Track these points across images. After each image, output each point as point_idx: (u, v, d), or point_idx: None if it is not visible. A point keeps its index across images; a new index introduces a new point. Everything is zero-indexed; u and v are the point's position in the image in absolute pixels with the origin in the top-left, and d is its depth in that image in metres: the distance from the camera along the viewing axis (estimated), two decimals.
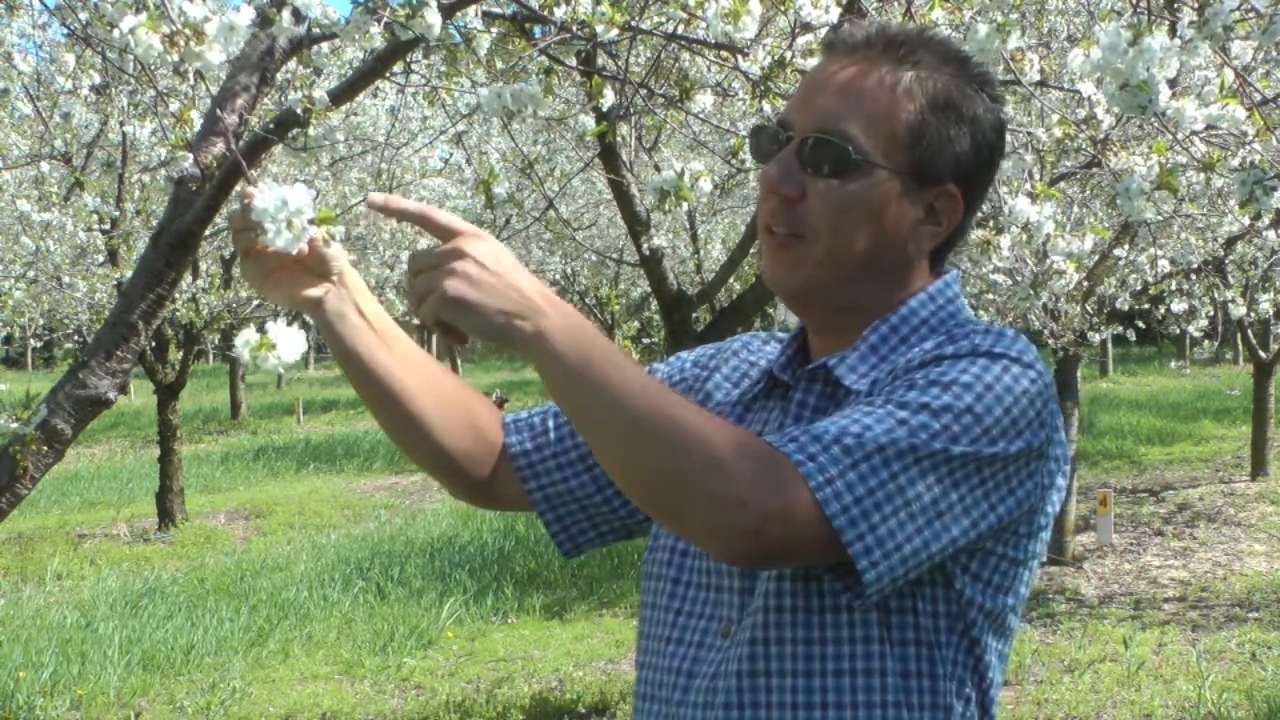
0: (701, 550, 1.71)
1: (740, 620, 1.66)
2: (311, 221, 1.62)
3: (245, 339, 1.68)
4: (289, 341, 1.69)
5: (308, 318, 1.83)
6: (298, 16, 2.17)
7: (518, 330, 1.48)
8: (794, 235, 1.66)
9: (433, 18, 2.41)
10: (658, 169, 7.92)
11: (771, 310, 7.80)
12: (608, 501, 1.92)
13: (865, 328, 1.70)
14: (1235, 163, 3.33)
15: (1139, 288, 10.65)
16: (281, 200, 1.59)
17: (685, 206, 2.76)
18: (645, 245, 7.10)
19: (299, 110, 3.13)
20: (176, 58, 1.63)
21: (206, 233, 3.15)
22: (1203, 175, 3.02)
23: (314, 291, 1.75)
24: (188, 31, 1.64)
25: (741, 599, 1.66)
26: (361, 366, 1.81)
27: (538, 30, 4.01)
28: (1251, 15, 2.87)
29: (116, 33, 1.65)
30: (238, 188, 3.08)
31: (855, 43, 1.68)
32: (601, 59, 5.49)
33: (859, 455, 1.46)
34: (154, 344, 12.40)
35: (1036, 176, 4.56)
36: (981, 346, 1.57)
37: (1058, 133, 3.69)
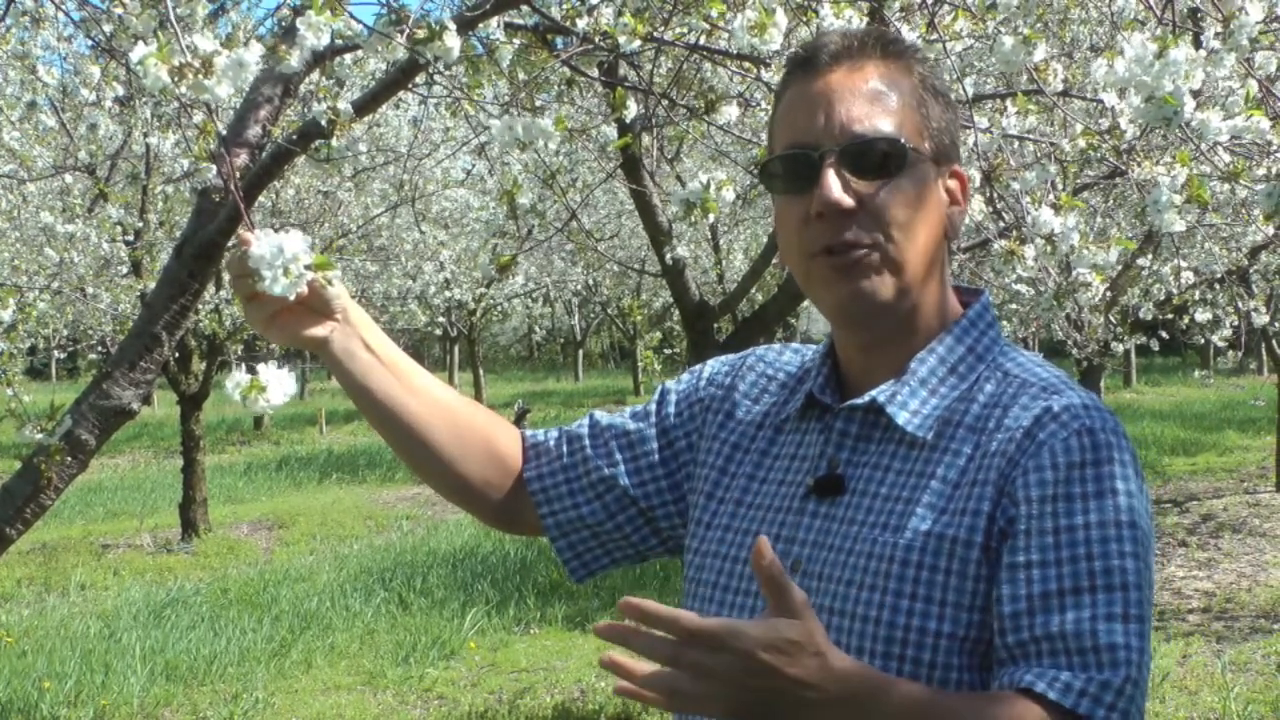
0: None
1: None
2: (308, 266, 1.63)
3: (235, 381, 1.70)
4: (279, 383, 1.71)
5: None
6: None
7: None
8: (862, 246, 1.62)
9: (451, 40, 2.40)
10: (680, 180, 7.93)
11: (793, 320, 7.79)
12: (619, 528, 1.90)
13: (911, 338, 1.69)
14: (1260, 172, 3.32)
15: (1163, 298, 10.62)
16: (277, 248, 1.60)
17: (709, 217, 2.76)
18: (668, 256, 7.10)
19: (322, 121, 3.13)
20: (184, 90, 1.64)
21: (229, 244, 3.16)
22: (1227, 185, 3.01)
23: (319, 331, 1.76)
24: (196, 64, 1.64)
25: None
26: (374, 402, 1.82)
27: (560, 41, 4.01)
28: (1276, 26, 2.87)
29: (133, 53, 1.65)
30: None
31: (836, 51, 1.66)
32: (624, 70, 5.50)
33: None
34: (177, 354, 12.44)
35: (1060, 187, 4.54)
36: (1079, 454, 1.54)
37: (1081, 143, 3.67)
